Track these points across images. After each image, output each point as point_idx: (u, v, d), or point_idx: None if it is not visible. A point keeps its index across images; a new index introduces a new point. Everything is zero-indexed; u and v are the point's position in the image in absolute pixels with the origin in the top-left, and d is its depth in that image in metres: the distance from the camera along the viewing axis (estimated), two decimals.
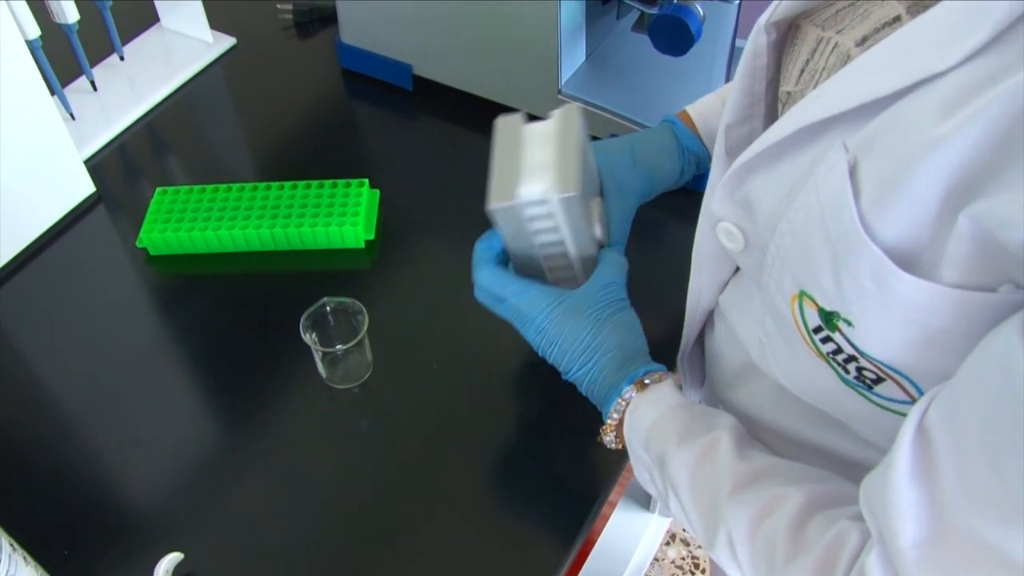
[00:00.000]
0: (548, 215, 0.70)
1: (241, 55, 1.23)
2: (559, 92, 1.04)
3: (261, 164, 1.10)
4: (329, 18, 1.27)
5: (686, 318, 0.77)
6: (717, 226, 0.62)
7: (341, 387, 0.86)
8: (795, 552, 0.53)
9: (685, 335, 0.79)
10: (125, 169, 1.08)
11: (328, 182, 1.00)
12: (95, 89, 1.13)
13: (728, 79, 0.97)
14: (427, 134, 1.13)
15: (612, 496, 1.06)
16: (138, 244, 0.97)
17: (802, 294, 0.52)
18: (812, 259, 0.50)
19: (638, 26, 1.01)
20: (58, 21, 1.04)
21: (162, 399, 0.86)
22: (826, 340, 0.53)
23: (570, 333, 0.70)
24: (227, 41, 1.23)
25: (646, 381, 0.67)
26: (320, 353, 0.84)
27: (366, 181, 1.00)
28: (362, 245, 0.98)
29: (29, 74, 0.92)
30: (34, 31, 0.99)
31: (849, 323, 0.50)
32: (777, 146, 0.53)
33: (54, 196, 1.00)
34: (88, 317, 0.93)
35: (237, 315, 0.93)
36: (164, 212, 0.97)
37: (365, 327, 0.82)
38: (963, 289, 0.44)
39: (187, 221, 0.96)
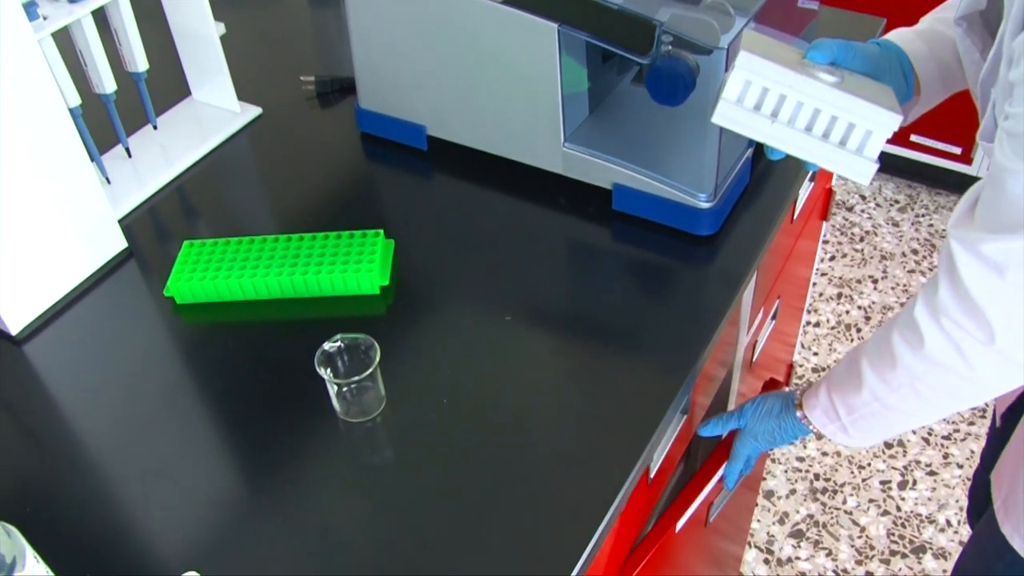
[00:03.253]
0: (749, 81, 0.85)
1: (266, 123, 1.31)
2: (563, 145, 1.10)
3: (284, 223, 1.15)
4: (349, 88, 1.35)
5: None
6: None
7: (355, 421, 0.90)
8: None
9: None
10: (155, 228, 1.15)
11: (345, 233, 1.05)
12: (130, 155, 1.21)
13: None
14: (441, 190, 1.18)
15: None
16: (165, 293, 1.02)
17: None
18: None
19: (637, 79, 1.07)
20: (97, 91, 1.12)
21: (185, 436, 0.90)
22: None
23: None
24: (254, 111, 1.31)
25: (802, 415, 0.96)
26: (335, 387, 0.88)
27: (381, 231, 1.06)
28: (377, 291, 1.02)
29: (71, 141, 1.00)
30: (75, 99, 1.07)
31: None
32: None
33: (89, 251, 1.06)
34: (117, 361, 0.98)
35: (258, 358, 0.97)
36: (191, 263, 1.03)
37: (377, 359, 0.86)
38: None
39: (212, 271, 1.02)
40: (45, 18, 1.00)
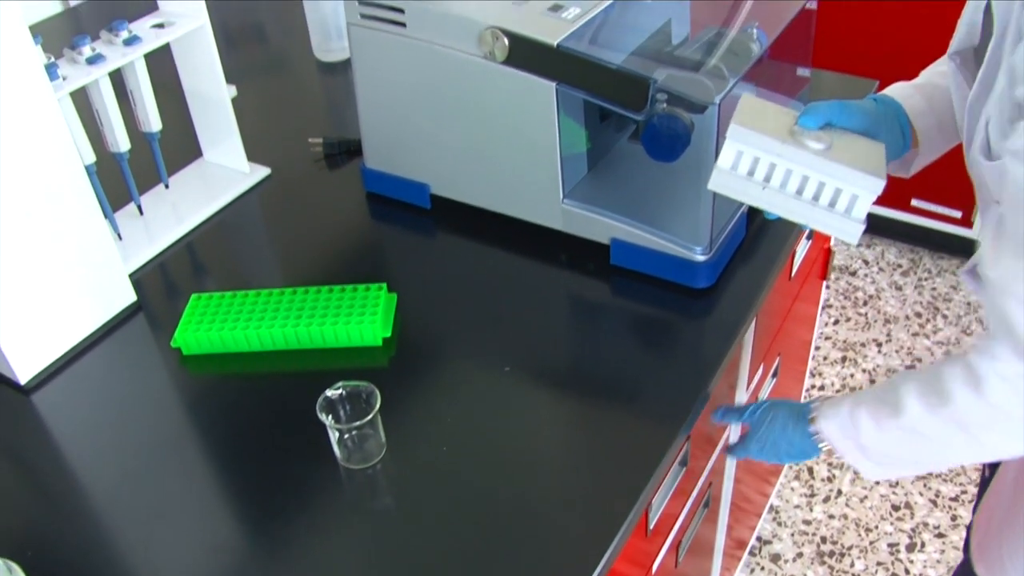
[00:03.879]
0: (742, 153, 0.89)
1: (275, 183, 1.34)
2: (563, 202, 1.12)
3: (290, 279, 1.18)
4: (356, 150, 1.38)
5: None
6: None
7: (356, 467, 0.91)
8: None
9: None
10: (164, 282, 1.18)
11: (349, 286, 1.08)
12: (141, 213, 1.24)
13: None
14: (443, 247, 1.21)
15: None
16: (173, 344, 1.04)
17: None
18: None
19: (634, 137, 1.10)
20: (112, 150, 1.16)
21: (188, 482, 0.91)
22: None
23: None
24: (262, 171, 1.34)
25: (817, 429, 0.93)
26: (336, 434, 0.89)
27: (384, 284, 1.08)
28: (379, 343, 1.04)
29: (85, 197, 1.03)
30: (90, 157, 1.10)
31: None
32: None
33: (99, 304, 1.09)
34: (123, 410, 1.00)
35: (262, 408, 0.99)
36: (198, 315, 1.05)
37: (377, 405, 0.88)
38: None
39: (218, 322, 1.04)
40: (64, 78, 1.04)
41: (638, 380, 0.99)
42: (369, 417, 0.87)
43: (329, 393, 0.90)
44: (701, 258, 1.05)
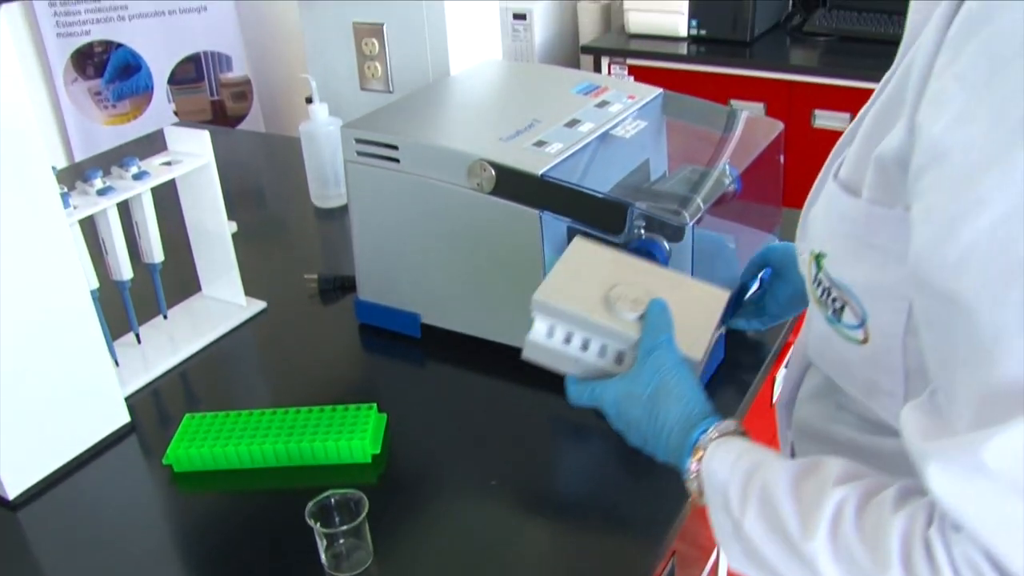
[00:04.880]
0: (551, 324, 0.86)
1: (270, 316, 1.38)
2: None
3: (282, 403, 1.20)
4: (349, 287, 1.43)
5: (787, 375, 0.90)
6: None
7: None
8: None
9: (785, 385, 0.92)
10: (157, 407, 1.20)
11: (340, 406, 1.10)
12: (139, 342, 1.28)
13: None
14: (433, 373, 1.24)
15: None
16: (164, 461, 1.05)
17: (811, 254, 0.72)
18: (816, 224, 0.73)
19: None
20: (114, 278, 1.21)
21: None
22: (818, 284, 0.72)
23: (633, 421, 0.80)
24: (258, 305, 1.39)
25: (704, 449, 0.74)
26: (324, 541, 0.90)
27: (375, 404, 1.10)
28: (368, 459, 1.05)
29: (89, 321, 1.07)
30: (94, 283, 1.15)
31: (824, 255, 0.70)
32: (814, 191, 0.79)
33: (93, 424, 1.10)
34: (110, 528, 1.00)
35: (251, 524, 0.99)
36: (191, 433, 1.07)
37: (365, 512, 0.89)
38: (872, 204, 0.64)
39: (210, 439, 1.06)
40: (75, 207, 1.10)
41: (621, 495, 1.00)
42: (357, 522, 0.88)
43: (318, 500, 0.91)
44: None
